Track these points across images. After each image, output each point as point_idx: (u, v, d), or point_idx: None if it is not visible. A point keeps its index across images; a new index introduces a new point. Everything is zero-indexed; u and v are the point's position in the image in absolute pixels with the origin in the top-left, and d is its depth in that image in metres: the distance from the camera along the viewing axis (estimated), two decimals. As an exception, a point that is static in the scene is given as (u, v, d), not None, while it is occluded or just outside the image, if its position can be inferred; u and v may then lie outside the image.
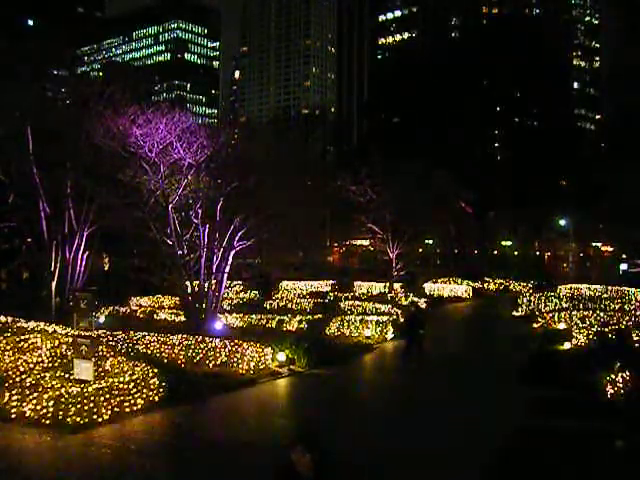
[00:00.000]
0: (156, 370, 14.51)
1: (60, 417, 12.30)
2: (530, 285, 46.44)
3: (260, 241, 24.74)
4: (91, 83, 27.45)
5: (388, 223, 42.40)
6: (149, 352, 17.43)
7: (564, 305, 32.45)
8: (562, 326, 26.79)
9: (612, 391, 15.11)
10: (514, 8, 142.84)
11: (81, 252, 25.88)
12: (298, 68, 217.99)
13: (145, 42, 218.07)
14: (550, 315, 29.41)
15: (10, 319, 17.32)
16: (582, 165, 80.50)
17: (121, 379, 13.55)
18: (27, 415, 12.48)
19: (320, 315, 27.62)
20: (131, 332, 18.16)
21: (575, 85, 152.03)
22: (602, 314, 27.26)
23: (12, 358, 14.76)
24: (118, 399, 13.09)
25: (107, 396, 12.89)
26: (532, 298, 35.35)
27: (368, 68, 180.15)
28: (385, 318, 26.35)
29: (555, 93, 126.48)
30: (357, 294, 40.24)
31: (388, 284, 41.93)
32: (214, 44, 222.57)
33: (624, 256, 64.81)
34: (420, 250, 58.58)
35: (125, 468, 10.69)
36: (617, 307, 30.85)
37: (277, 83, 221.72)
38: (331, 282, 43.38)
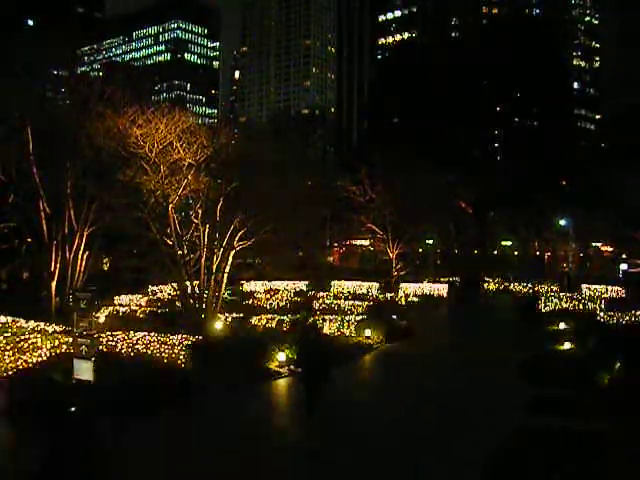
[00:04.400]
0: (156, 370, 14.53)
1: (60, 417, 12.29)
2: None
3: (260, 241, 24.71)
4: (91, 83, 27.41)
5: (388, 223, 42.37)
6: (149, 352, 17.44)
7: (563, 305, 32.51)
8: (562, 326, 26.83)
9: (612, 391, 15.14)
10: (514, 8, 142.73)
11: (81, 252, 25.87)
12: (298, 68, 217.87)
13: (145, 42, 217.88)
14: (549, 315, 29.47)
15: (10, 319, 17.33)
16: (582, 165, 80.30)
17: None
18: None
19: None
20: (131, 332, 18.16)
21: (575, 85, 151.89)
22: (601, 314, 27.31)
23: (12, 358, 14.77)
24: (118, 399, 13.07)
25: (107, 396, 12.89)
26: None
27: (368, 68, 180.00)
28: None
29: (555, 93, 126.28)
30: (357, 294, 40.17)
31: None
32: (214, 44, 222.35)
33: (624, 256, 64.78)
34: (420, 250, 58.51)
35: (124, 468, 10.69)
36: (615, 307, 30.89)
37: (277, 83, 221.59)
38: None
